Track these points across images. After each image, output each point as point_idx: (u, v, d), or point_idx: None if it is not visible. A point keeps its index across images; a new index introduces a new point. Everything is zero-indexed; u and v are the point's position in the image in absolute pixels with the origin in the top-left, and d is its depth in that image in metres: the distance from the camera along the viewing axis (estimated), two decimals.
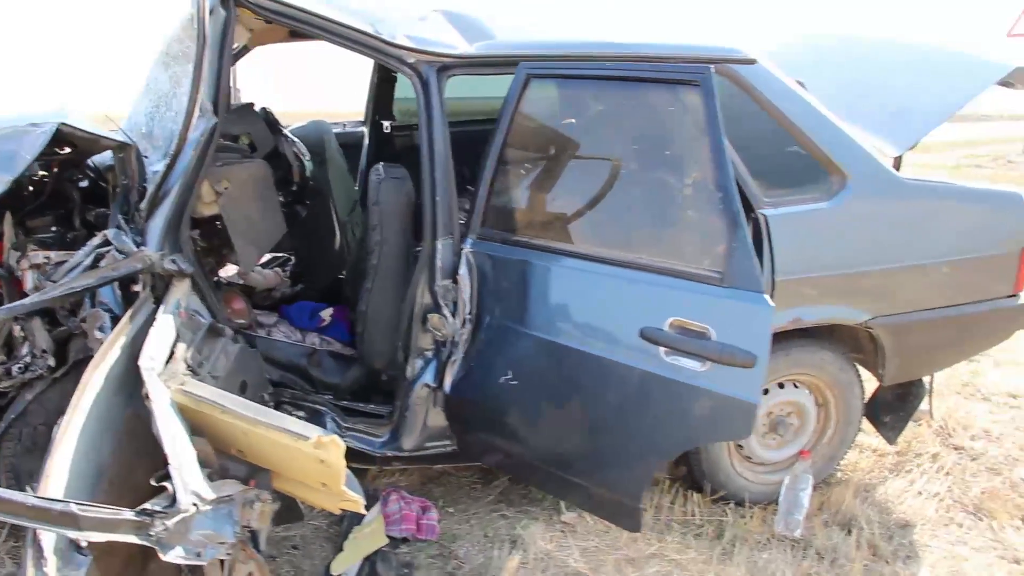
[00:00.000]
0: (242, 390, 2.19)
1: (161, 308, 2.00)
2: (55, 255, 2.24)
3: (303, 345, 2.75)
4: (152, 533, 1.54)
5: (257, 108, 2.99)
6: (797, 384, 2.84)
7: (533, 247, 2.31)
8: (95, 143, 2.21)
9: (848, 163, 2.62)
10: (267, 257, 3.58)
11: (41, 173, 2.34)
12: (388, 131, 3.91)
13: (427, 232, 2.38)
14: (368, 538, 2.49)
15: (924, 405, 3.56)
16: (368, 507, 2.66)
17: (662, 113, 2.24)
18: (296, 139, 3.17)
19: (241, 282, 3.30)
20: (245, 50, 3.18)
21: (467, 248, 2.38)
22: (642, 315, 2.10)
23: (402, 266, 2.49)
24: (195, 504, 1.58)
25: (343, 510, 2.64)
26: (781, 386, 2.82)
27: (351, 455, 2.57)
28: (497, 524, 2.66)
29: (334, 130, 3.79)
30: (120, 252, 2.11)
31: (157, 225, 2.17)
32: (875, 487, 3.06)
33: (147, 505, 1.57)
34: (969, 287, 2.86)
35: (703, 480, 2.85)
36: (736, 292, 1.97)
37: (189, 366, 1.96)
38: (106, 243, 2.18)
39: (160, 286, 2.11)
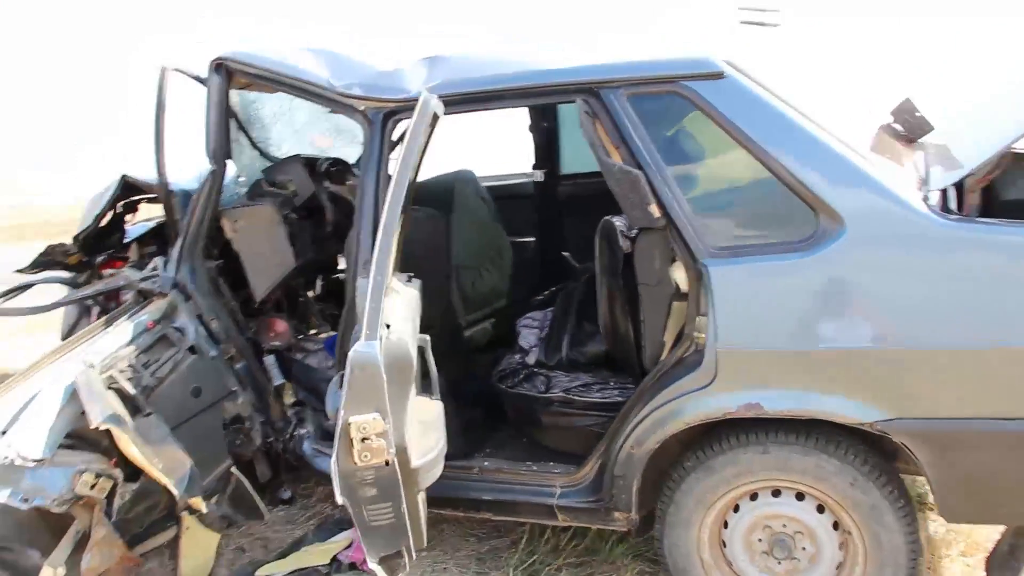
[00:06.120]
0: (195, 394, 2.89)
1: (125, 316, 2.83)
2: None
3: (327, 372, 3.30)
4: None
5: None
6: (802, 496, 2.38)
7: None
8: (151, 189, 3.18)
9: (842, 200, 2.21)
10: None
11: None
12: (541, 180, 4.22)
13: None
14: (313, 554, 2.94)
15: None
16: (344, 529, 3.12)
17: None
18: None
19: None
20: None
21: None
22: None
23: None
24: (7, 456, 2.33)
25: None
26: (776, 493, 2.40)
27: None
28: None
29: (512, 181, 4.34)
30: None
31: (174, 255, 3.03)
32: None
33: None
34: None
35: None
36: None
37: (131, 364, 2.73)
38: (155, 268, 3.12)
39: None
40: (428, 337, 2.61)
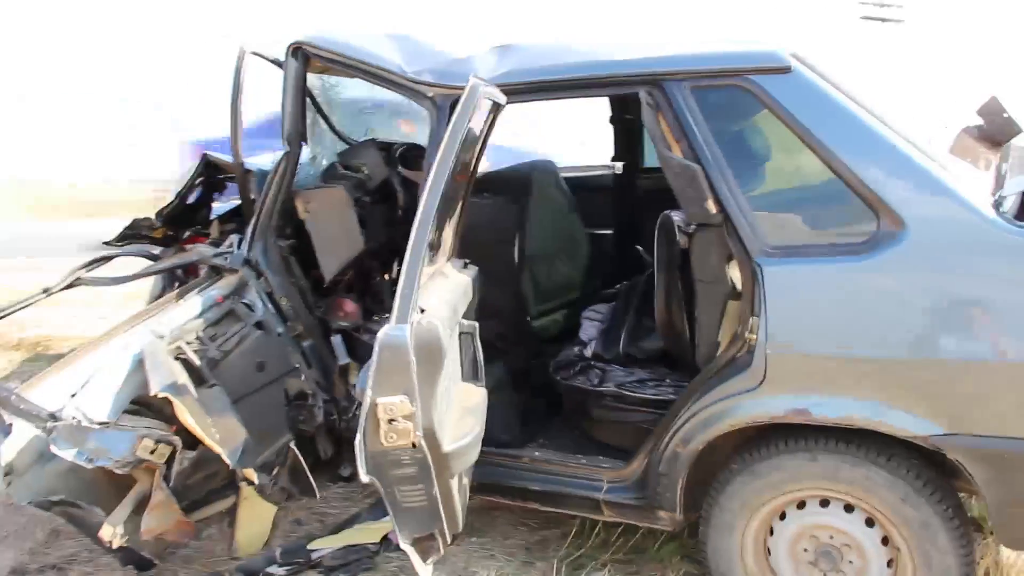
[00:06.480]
0: (259, 369, 3.00)
1: (195, 290, 2.96)
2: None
3: None
4: (47, 428, 2.48)
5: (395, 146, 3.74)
6: (852, 507, 2.31)
7: None
8: (230, 167, 3.31)
9: (904, 202, 2.14)
10: None
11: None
12: (619, 172, 4.18)
13: None
14: (365, 532, 3.02)
15: None
16: None
17: None
18: None
19: None
20: None
21: None
22: None
23: None
24: (74, 417, 2.47)
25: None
26: (824, 504, 2.34)
27: None
28: (487, 564, 2.88)
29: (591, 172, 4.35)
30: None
31: (248, 234, 3.15)
32: None
33: (55, 411, 2.52)
34: None
35: None
36: None
37: (199, 336, 2.86)
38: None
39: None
40: (476, 324, 2.65)
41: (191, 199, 3.72)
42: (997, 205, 2.12)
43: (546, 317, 3.80)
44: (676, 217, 2.71)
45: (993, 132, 2.61)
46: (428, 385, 2.10)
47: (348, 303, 3.50)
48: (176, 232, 3.72)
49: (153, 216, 3.58)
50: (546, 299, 3.81)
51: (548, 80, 2.65)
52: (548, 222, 3.86)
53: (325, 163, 3.61)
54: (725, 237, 2.39)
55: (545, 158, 4.14)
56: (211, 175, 3.60)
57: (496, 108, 2.63)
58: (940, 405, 2.11)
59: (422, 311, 2.16)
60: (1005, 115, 2.57)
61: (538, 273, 3.80)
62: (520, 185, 3.85)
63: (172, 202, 3.55)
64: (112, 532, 2.61)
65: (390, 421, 2.03)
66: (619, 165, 4.27)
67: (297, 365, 3.12)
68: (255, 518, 3.03)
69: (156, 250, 3.64)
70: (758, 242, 2.28)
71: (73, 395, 2.59)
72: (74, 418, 2.50)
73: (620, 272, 4.08)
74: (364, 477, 2.12)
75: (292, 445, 3.07)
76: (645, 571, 2.84)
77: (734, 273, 2.44)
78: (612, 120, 4.23)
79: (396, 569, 2.87)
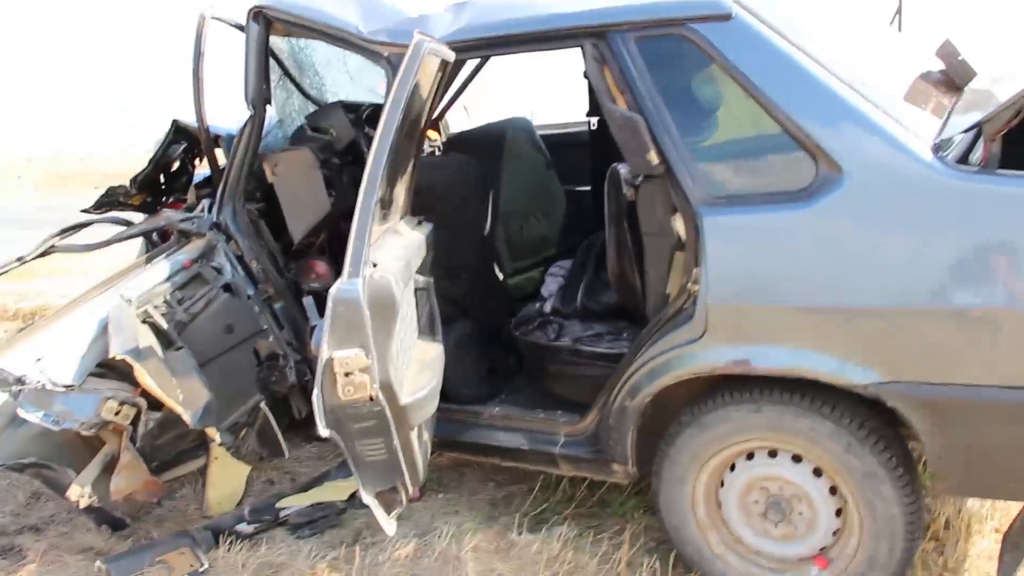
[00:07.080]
0: (227, 331, 3.03)
1: (164, 255, 2.99)
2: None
3: None
4: (13, 391, 2.54)
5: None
6: (800, 458, 2.30)
7: None
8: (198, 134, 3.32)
9: (841, 147, 2.11)
10: None
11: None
12: (595, 127, 4.13)
13: None
14: (334, 490, 3.06)
15: None
16: None
17: None
18: None
19: None
20: None
21: None
22: None
23: None
24: (39, 380, 2.52)
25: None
26: (772, 455, 2.33)
27: None
28: (450, 519, 2.91)
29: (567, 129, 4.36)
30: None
31: (216, 197, 3.17)
32: None
33: (21, 375, 2.56)
34: None
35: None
36: None
37: (166, 300, 2.90)
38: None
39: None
40: (431, 279, 2.66)
41: (174, 167, 3.76)
42: (938, 148, 2.08)
43: (521, 275, 3.80)
44: (623, 170, 2.68)
45: (952, 76, 2.55)
46: (383, 338, 2.12)
47: (320, 265, 3.52)
48: (155, 198, 3.75)
49: (128, 183, 3.61)
50: (521, 257, 3.80)
51: (497, 36, 2.61)
52: (523, 180, 3.84)
53: (295, 125, 3.62)
54: (668, 188, 2.37)
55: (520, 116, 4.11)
56: (184, 141, 3.62)
57: (445, 65, 2.61)
58: (878, 353, 2.09)
59: (374, 266, 2.18)
60: (959, 58, 2.51)
61: (512, 231, 3.79)
62: (494, 143, 3.83)
63: (145, 168, 3.57)
64: (80, 492, 2.68)
65: (346, 375, 2.06)
66: (594, 120, 4.22)
67: (266, 327, 3.15)
68: (227, 478, 3.08)
69: (133, 217, 3.69)
70: (699, 192, 2.25)
71: (39, 359, 2.64)
72: (39, 382, 2.56)
73: (598, 228, 4.05)
74: (323, 432, 2.16)
75: (263, 406, 3.12)
76: (606, 525, 2.85)
77: (679, 224, 2.42)
78: (586, 75, 4.18)
79: (362, 525, 2.92)
